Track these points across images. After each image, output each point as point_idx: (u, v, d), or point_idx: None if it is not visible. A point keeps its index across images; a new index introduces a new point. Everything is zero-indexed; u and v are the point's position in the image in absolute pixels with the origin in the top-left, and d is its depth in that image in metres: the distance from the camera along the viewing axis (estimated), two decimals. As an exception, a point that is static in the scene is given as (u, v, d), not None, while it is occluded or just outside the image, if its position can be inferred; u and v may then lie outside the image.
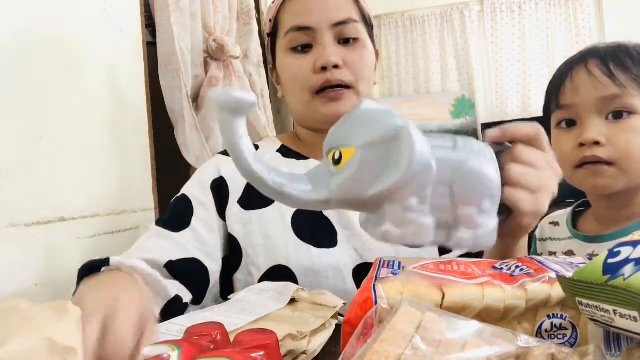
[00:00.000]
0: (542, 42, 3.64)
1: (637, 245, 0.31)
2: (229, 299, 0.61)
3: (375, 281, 0.36)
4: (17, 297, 0.35)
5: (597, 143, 0.68)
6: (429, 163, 0.40)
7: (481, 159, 0.44)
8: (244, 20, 1.61)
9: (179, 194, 0.77)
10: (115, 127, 0.92)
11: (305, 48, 0.75)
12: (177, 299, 0.65)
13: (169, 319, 0.58)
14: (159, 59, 1.19)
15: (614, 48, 0.71)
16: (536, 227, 0.85)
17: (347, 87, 0.74)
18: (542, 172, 0.49)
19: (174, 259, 0.68)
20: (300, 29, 0.74)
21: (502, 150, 0.50)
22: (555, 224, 0.83)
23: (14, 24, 0.69)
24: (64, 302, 0.33)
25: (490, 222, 0.44)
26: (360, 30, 0.76)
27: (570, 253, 0.77)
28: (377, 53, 0.84)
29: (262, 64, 1.64)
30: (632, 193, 0.71)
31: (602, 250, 0.75)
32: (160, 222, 0.72)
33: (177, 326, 0.52)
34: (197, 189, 0.76)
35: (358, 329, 0.32)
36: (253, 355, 0.35)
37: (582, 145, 0.70)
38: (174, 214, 0.74)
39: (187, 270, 0.69)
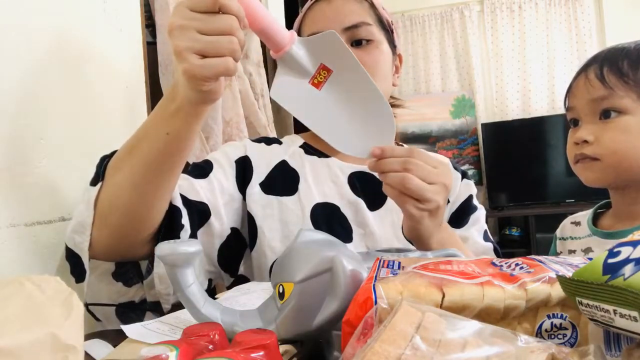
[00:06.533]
0: (542, 42, 3.64)
1: (637, 245, 0.31)
2: (216, 299, 0.61)
3: (375, 281, 0.36)
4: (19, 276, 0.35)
5: (586, 142, 0.75)
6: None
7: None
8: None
9: (201, 160, 0.83)
10: (115, 127, 0.92)
11: None
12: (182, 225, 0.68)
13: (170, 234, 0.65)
14: (159, 59, 1.19)
15: (617, 51, 0.76)
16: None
17: None
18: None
19: (187, 196, 0.72)
20: (316, 34, 0.78)
21: None
22: (577, 223, 0.87)
23: (13, 24, 0.69)
24: (69, 293, 0.34)
25: None
26: (374, 32, 0.81)
27: (588, 250, 0.81)
28: (399, 57, 0.90)
29: (262, 64, 1.64)
30: None
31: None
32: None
33: (168, 325, 0.52)
34: (221, 157, 0.82)
35: (358, 329, 0.32)
36: (253, 355, 0.35)
37: (577, 143, 0.77)
38: (196, 167, 0.79)
39: (192, 204, 0.73)
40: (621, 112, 0.72)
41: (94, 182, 0.63)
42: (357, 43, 0.80)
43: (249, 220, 0.79)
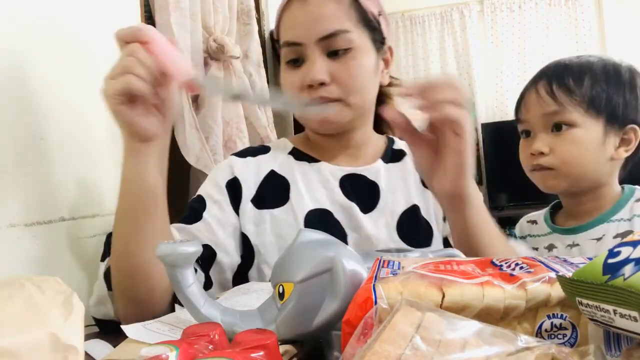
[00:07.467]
0: (542, 42, 3.64)
1: (637, 245, 0.31)
2: (216, 299, 0.61)
3: (375, 281, 0.36)
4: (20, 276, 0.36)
5: (542, 153, 0.83)
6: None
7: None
8: (244, 20, 1.61)
9: (194, 196, 0.82)
10: (115, 127, 0.92)
11: (297, 62, 0.77)
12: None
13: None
14: (158, 59, 1.19)
15: (562, 68, 0.84)
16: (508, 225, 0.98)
17: (335, 100, 0.75)
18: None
19: None
20: (290, 44, 0.76)
21: None
22: (533, 222, 0.97)
23: (13, 24, 0.69)
24: (70, 293, 0.34)
25: None
26: (352, 39, 0.74)
27: (551, 247, 0.90)
28: (390, 50, 0.83)
29: (262, 64, 1.64)
30: (588, 191, 0.85)
31: (581, 239, 0.87)
32: (179, 220, 0.77)
33: (168, 325, 0.52)
34: (211, 188, 0.81)
35: (358, 329, 0.32)
36: (253, 355, 0.35)
37: (533, 154, 0.84)
38: (189, 211, 0.79)
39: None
40: (571, 126, 0.80)
41: (102, 258, 0.68)
42: (333, 54, 0.74)
43: (244, 241, 0.79)
